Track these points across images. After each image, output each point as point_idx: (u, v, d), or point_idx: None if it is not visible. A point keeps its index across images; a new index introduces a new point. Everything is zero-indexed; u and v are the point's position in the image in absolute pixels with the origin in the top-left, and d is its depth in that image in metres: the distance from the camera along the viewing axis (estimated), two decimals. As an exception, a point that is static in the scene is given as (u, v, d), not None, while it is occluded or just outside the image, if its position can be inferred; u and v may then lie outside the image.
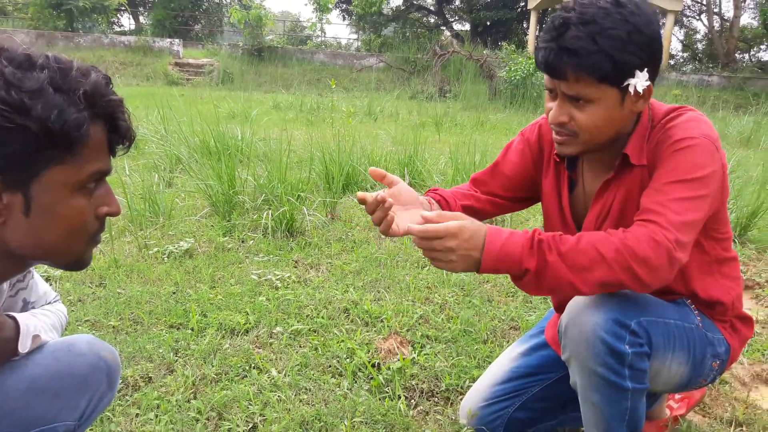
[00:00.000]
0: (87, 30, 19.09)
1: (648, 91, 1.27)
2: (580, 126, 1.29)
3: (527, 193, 1.63)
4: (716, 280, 1.45)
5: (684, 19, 26.63)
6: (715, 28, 23.30)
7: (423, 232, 1.20)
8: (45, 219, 0.87)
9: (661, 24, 1.24)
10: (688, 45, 27.69)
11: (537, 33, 21.00)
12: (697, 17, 27.23)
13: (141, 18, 26.52)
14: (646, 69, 1.23)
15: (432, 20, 27.41)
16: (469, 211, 1.53)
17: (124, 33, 21.27)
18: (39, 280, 1.23)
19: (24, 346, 1.07)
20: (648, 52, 1.22)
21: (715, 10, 23.72)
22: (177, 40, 17.35)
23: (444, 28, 26.59)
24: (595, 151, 1.37)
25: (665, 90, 15.29)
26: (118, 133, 0.92)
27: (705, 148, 1.26)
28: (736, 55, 22.45)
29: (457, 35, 23.39)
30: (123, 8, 21.93)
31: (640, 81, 1.23)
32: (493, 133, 8.27)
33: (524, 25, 24.50)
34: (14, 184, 0.84)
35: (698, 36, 27.81)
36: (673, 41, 23.94)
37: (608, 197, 1.40)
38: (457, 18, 27.56)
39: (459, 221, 1.22)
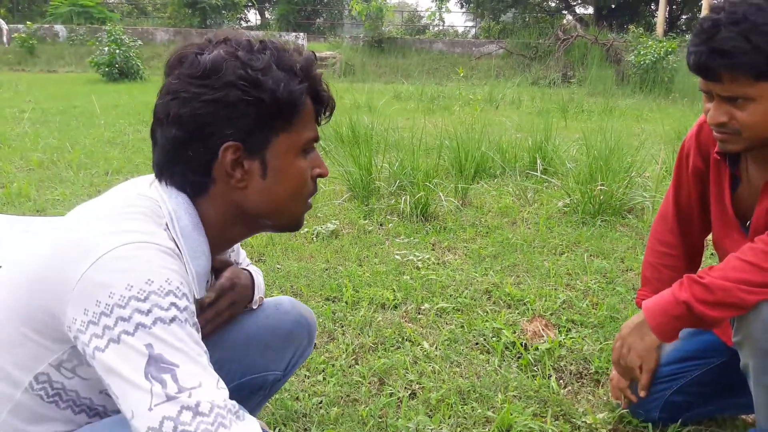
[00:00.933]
0: (218, 26, 20.28)
1: None
2: (743, 124, 1.28)
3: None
4: None
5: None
6: None
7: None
8: (278, 180, 0.98)
9: None
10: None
11: (666, 15, 19.84)
12: None
13: (266, 13, 27.75)
14: None
15: (553, 4, 26.61)
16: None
17: (251, 28, 22.37)
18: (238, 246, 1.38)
19: (255, 302, 1.23)
20: None
21: None
22: (301, 34, 18.03)
23: (566, 12, 25.73)
24: (761, 147, 1.35)
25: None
26: (321, 103, 1.03)
27: None
28: None
29: (580, 19, 22.55)
30: (250, 4, 23.05)
31: None
32: (623, 120, 7.96)
33: (652, 7, 23.21)
34: (252, 152, 0.95)
35: None
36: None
37: None
38: (579, 1, 26.58)
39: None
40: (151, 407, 0.78)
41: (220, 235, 1.01)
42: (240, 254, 1.34)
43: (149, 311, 0.81)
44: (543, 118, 6.13)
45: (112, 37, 13.23)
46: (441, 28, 22.21)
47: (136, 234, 0.86)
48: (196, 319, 0.90)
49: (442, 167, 4.32)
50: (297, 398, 1.79)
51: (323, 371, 1.92)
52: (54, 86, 11.46)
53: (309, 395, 1.80)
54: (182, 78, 0.92)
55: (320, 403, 1.76)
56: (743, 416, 1.70)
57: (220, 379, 0.85)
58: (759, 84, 1.22)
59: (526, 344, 2.10)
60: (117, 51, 13.00)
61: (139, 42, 13.93)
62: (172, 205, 0.95)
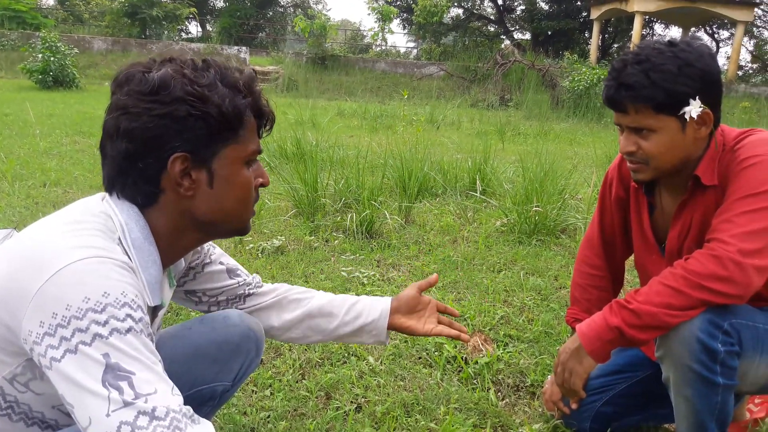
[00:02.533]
0: (157, 37, 19.92)
1: (707, 117, 1.42)
2: (648, 153, 1.46)
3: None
4: None
5: (754, 29, 25.80)
6: (788, 39, 22.48)
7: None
8: (225, 189, 1.04)
9: (716, 59, 1.44)
10: (757, 56, 26.80)
11: (599, 43, 20.78)
12: (768, 27, 26.33)
13: (207, 26, 27.44)
14: (698, 97, 1.38)
15: (492, 29, 27.40)
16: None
17: (191, 40, 22.07)
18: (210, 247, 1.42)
19: None
20: (700, 82, 1.38)
21: (789, 21, 22.90)
22: (244, 48, 17.92)
23: (504, 37, 26.53)
24: (668, 175, 1.53)
25: (734, 102, 14.91)
26: (263, 117, 1.09)
27: None
28: (810, 67, 21.60)
29: (518, 44, 23.30)
30: (192, 16, 22.78)
31: (694, 108, 1.39)
32: (557, 143, 8.30)
33: (586, 35, 24.24)
34: (200, 163, 1.01)
35: (769, 47, 26.89)
36: (742, 52, 23.24)
37: (686, 217, 1.54)
38: (517, 27, 27.48)
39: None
40: (109, 413, 0.82)
41: (172, 243, 1.07)
42: (212, 252, 1.36)
43: (106, 322, 0.84)
44: (482, 140, 6.34)
45: (47, 44, 12.77)
46: (384, 48, 22.52)
47: (92, 249, 0.90)
48: (150, 330, 0.94)
49: (387, 185, 4.41)
50: (245, 413, 1.81)
51: (270, 386, 1.96)
52: (-18, 92, 10.99)
53: (257, 410, 1.83)
54: (132, 94, 0.97)
55: (268, 417, 1.80)
56: (666, 425, 1.84)
57: (175, 386, 0.89)
58: (659, 116, 1.41)
59: (466, 358, 2.19)
60: (52, 58, 12.56)
61: (75, 50, 13.51)
62: (124, 217, 0.99)
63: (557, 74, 15.46)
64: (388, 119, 9.58)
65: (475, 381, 2.07)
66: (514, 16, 26.97)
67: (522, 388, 2.06)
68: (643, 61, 1.39)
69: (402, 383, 2.02)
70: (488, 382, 2.05)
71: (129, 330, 0.86)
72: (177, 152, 0.98)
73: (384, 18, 18.56)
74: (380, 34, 19.35)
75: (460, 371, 2.12)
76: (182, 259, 1.22)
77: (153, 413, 0.83)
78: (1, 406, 0.95)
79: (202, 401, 1.36)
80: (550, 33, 24.01)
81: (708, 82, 1.39)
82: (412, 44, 27.38)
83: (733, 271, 1.33)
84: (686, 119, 1.40)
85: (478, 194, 4.29)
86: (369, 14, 38.75)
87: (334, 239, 3.46)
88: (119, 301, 0.87)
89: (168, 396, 0.86)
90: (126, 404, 0.82)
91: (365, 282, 2.84)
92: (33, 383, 0.94)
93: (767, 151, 1.40)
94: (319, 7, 29.30)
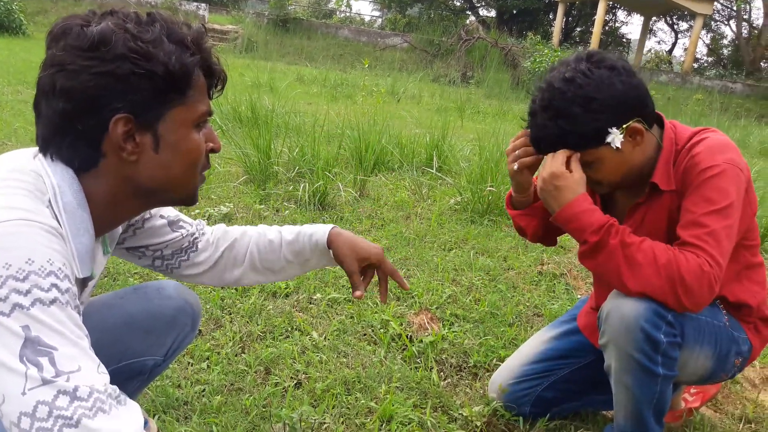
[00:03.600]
0: (113, -14, 19.08)
1: (636, 130, 1.40)
2: (597, 179, 1.46)
3: None
4: (744, 285, 1.56)
5: (712, 23, 26.38)
6: (743, 34, 23.10)
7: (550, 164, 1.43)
8: (171, 154, 0.96)
9: (621, 71, 1.37)
10: (713, 50, 27.48)
11: (563, 26, 20.90)
12: (726, 22, 26.97)
13: (167, -22, 26.41)
14: (614, 126, 1.36)
15: (458, 3, 27.25)
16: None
17: (150, -8, 21.21)
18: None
19: None
20: (610, 112, 1.35)
21: (745, 17, 23.48)
22: (203, 5, 17.35)
23: (470, 12, 26.43)
24: (627, 187, 1.51)
25: (689, 93, 15.26)
26: (213, 76, 1.00)
27: (731, 174, 1.38)
28: (762, 63, 22.28)
29: (483, 21, 23.24)
30: (151, -33, 21.85)
31: (615, 137, 1.37)
32: (515, 123, 8.32)
33: (551, 17, 24.35)
34: (145, 125, 0.92)
35: (725, 41, 27.57)
36: (699, 45, 23.76)
37: (637, 218, 1.53)
38: (483, 3, 27.39)
39: (577, 174, 1.41)
40: (25, 391, 0.75)
41: (110, 211, 0.98)
42: (155, 218, 1.26)
43: (28, 291, 0.77)
44: (441, 116, 6.31)
45: (-9, -14, 12.11)
46: (348, 14, 22.15)
47: (18, 211, 0.82)
48: (78, 302, 0.87)
49: (343, 157, 4.34)
50: (179, 386, 1.75)
51: (208, 359, 1.89)
52: None
53: (192, 383, 1.77)
54: (68, 50, 0.88)
55: (203, 391, 1.74)
56: (604, 412, 1.85)
57: (101, 364, 0.82)
58: (587, 152, 1.40)
59: (411, 336, 2.17)
60: (-3, 1, 11.92)
61: (23, -7, 12.86)
62: (57, 179, 0.91)
63: (519, 54, 15.51)
64: (349, 88, 9.45)
65: (418, 360, 2.05)
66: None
67: (465, 368, 2.05)
68: (548, 107, 1.36)
69: (345, 360, 1.99)
70: (431, 362, 2.03)
71: (53, 301, 0.79)
72: (119, 114, 0.89)
73: (350, -16, 18.20)
74: (344, 0, 19.01)
75: (404, 349, 2.10)
76: (119, 227, 1.13)
77: (75, 393, 0.76)
78: None
79: (131, 375, 1.29)
80: (515, 12, 24.02)
81: (619, 106, 1.36)
82: (377, 13, 27.04)
83: (704, 292, 1.32)
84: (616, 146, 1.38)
85: (434, 171, 4.26)
86: (335, -21, 38.00)
87: (284, 209, 3.39)
88: (44, 269, 0.79)
89: (92, 374, 0.79)
90: (45, 382, 0.75)
91: (314, 254, 2.78)
92: None
93: (726, 160, 1.39)
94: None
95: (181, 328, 1.32)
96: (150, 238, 1.24)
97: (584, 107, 1.34)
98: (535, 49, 14.82)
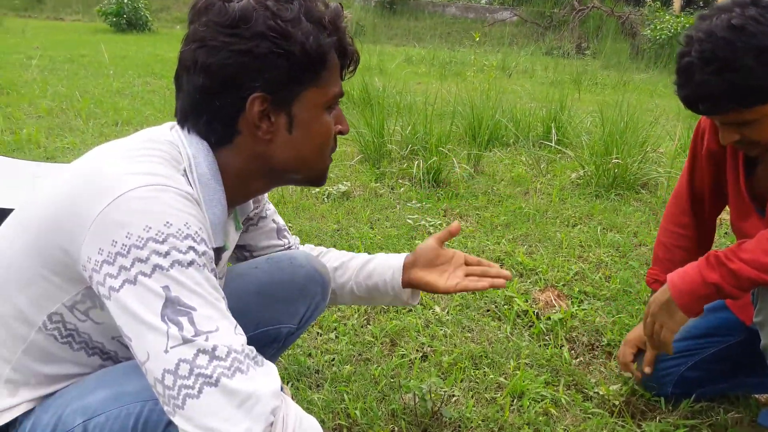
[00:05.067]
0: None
1: None
2: (754, 139, 1.28)
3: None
4: None
5: None
6: None
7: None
8: (304, 135, 0.97)
9: None
10: None
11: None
12: None
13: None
14: None
15: (569, -26, 26.07)
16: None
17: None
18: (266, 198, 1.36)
19: None
20: None
21: None
22: (312, -9, 17.68)
23: (582, -18, 25.20)
24: None
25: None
26: (347, 57, 0.99)
27: None
28: None
29: (596, -10, 22.06)
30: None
31: None
32: (637, 94, 7.85)
33: (672, -20, 22.72)
34: (280, 105, 0.93)
35: None
36: None
37: None
38: (596, -29, 26.03)
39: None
40: (167, 349, 0.77)
41: (240, 186, 1.00)
42: (267, 207, 1.32)
43: (167, 253, 0.79)
44: (557, 89, 6.05)
45: (121, -14, 12.97)
46: (455, -8, 21.78)
47: (156, 177, 0.84)
48: (215, 266, 0.88)
49: (455, 134, 4.27)
50: (310, 354, 1.79)
51: (335, 330, 1.92)
52: (61, 34, 11.30)
53: (321, 352, 1.80)
54: (210, 26, 0.89)
55: (333, 360, 1.77)
56: (756, 395, 1.70)
57: (239, 326, 0.84)
58: (753, 109, 1.22)
59: (538, 313, 2.09)
60: (125, 1, 12.77)
61: (149, -8, 13.67)
62: (192, 150, 0.93)
63: (638, 22, 14.61)
64: (458, 66, 9.31)
65: (547, 337, 1.97)
66: (594, -41, 25.51)
67: (597, 347, 1.95)
68: (711, 60, 1.18)
69: (469, 335, 1.95)
70: (561, 339, 1.95)
71: (191, 263, 0.81)
72: (256, 92, 0.91)
73: (456, -39, 17.89)
74: (452, -22, 18.70)
75: (530, 326, 2.03)
76: (250, 201, 1.15)
77: (213, 352, 0.78)
78: (62, 334, 0.92)
79: (266, 342, 1.32)
80: (632, -22, 22.62)
81: None
82: (484, -11, 26.41)
83: None
84: None
85: (553, 144, 4.09)
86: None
87: (399, 186, 3.38)
88: (182, 232, 0.81)
89: (230, 334, 0.81)
90: (185, 341, 0.77)
91: (431, 231, 2.76)
92: (93, 312, 0.91)
93: None
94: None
95: (312, 297, 1.33)
96: (258, 239, 1.30)
97: (758, 59, 1.16)
98: (655, 17, 13.88)
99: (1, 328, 0.92)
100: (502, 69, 9.50)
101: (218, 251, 1.05)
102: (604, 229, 2.91)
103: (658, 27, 12.95)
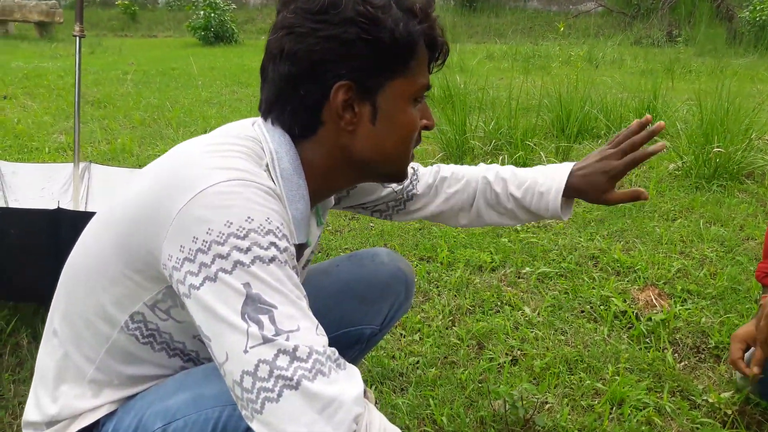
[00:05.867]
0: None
1: None
2: None
3: None
4: None
5: None
6: None
7: None
8: (387, 127, 0.92)
9: None
10: None
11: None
12: None
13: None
14: None
15: (658, -41, 24.91)
16: None
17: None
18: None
19: None
20: None
21: None
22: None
23: (672, -34, 24.01)
24: None
25: None
26: (436, 48, 0.94)
27: None
28: None
29: (687, -26, 20.94)
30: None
31: None
32: (736, 80, 7.34)
33: (773, -42, 21.23)
34: (365, 95, 0.89)
35: None
36: None
37: None
38: (687, -46, 24.72)
39: None
40: (247, 349, 0.73)
41: (324, 180, 0.96)
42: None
43: (248, 249, 0.75)
44: (648, 78, 5.74)
45: (207, 1, 13.50)
46: (536, -14, 21.27)
47: (237, 172, 0.81)
48: (296, 263, 0.85)
49: (542, 127, 4.11)
50: (393, 357, 1.73)
51: (419, 331, 1.86)
52: (154, 50, 11.88)
53: (405, 354, 1.74)
54: (298, 12, 0.87)
55: (417, 363, 1.70)
56: None
57: (320, 325, 0.79)
58: None
59: (637, 314, 1.95)
60: (212, 15, 13.26)
61: (233, 6, 14.14)
62: (274, 145, 0.90)
63: (734, 5, 13.72)
64: (541, 59, 9.04)
65: (648, 340, 1.83)
66: (684, -58, 24.24)
67: (704, 350, 1.79)
68: None
69: (563, 337, 1.84)
70: (664, 342, 1.80)
71: (272, 259, 0.77)
72: (341, 80, 0.87)
73: (537, -47, 17.47)
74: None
75: (629, 328, 1.89)
76: (332, 196, 1.11)
77: (294, 353, 0.73)
78: (143, 334, 0.91)
79: (349, 343, 1.28)
80: (727, -42, 21.31)
81: None
82: (566, -19, 25.67)
83: None
84: None
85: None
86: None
87: (484, 183, 3.28)
88: (263, 227, 0.77)
89: (311, 335, 0.76)
90: (266, 341, 0.73)
91: (518, 228, 2.64)
92: (174, 311, 0.89)
93: None
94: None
95: (396, 296, 1.28)
96: (364, 196, 1.21)
97: None
98: (754, -3, 12.98)
99: (85, 327, 0.92)
100: (588, 60, 9.17)
101: (300, 248, 1.01)
102: (706, 222, 2.70)
103: (757, 8, 12.11)
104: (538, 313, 1.96)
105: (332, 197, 1.11)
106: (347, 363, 0.79)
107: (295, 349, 0.73)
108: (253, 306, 0.74)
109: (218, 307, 0.75)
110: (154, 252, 0.82)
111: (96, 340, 0.92)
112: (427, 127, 0.98)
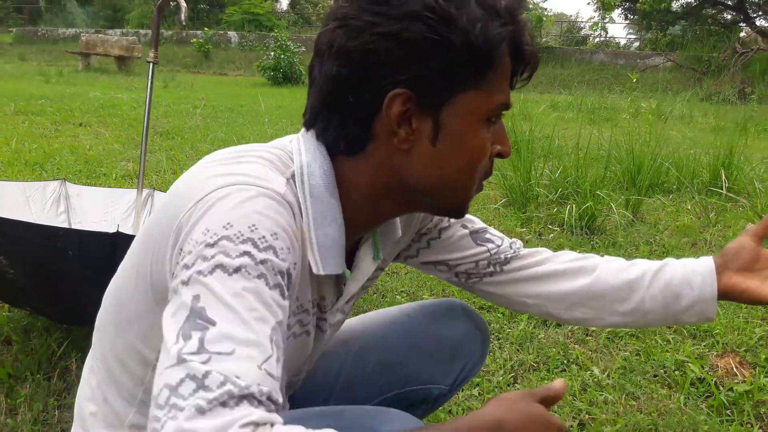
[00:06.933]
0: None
1: None
2: None
3: None
4: None
5: None
6: None
7: None
8: (451, 149, 0.77)
9: None
10: None
11: None
12: None
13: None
14: None
15: (729, 17, 24.46)
16: None
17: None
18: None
19: None
20: None
21: None
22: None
23: (744, 24, 23.51)
24: None
25: None
26: (522, 59, 0.79)
27: None
28: None
29: (761, 32, 20.46)
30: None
31: None
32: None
33: None
34: (426, 108, 0.75)
35: None
36: None
37: None
38: (761, 14, 24.19)
39: None
40: (162, 371, 0.59)
41: (368, 205, 0.82)
42: (455, 227, 1.05)
43: (212, 257, 0.64)
44: (719, 135, 5.53)
45: (278, 43, 13.96)
46: (603, 39, 21.18)
47: (241, 176, 0.71)
48: (292, 291, 0.72)
49: (610, 179, 3.97)
50: (450, 411, 1.63)
51: (478, 386, 1.75)
52: (224, 87, 12.31)
53: (463, 410, 1.63)
54: (355, 2, 0.74)
55: (475, 420, 1.59)
56: None
57: (273, 358, 0.61)
58: None
59: (716, 382, 1.79)
60: (282, 56, 13.70)
61: (303, 48, 14.58)
62: (307, 158, 0.78)
63: (813, 63, 13.27)
64: (607, 111, 8.91)
65: (729, 412, 1.67)
66: (757, 0, 23.76)
67: (796, 429, 1.62)
68: None
69: (634, 403, 1.69)
70: (749, 416, 1.64)
71: (237, 269, 0.63)
72: (398, 88, 0.73)
73: (605, 7, 17.45)
74: (600, 23, 18.24)
75: (708, 397, 1.73)
76: (397, 227, 0.95)
77: (203, 380, 0.56)
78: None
79: (414, 402, 1.16)
80: (804, 17, 20.75)
81: None
82: (633, 36, 25.48)
83: None
84: None
85: (723, 191, 3.67)
86: (588, 3, 36.92)
87: (548, 233, 3.16)
88: (241, 235, 0.65)
89: (244, 364, 0.58)
90: (179, 362, 0.58)
91: (586, 281, 2.51)
92: None
93: None
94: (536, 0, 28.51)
95: (469, 357, 1.16)
96: (448, 252, 1.04)
97: None
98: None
99: (120, 368, 0.85)
100: (657, 114, 8.95)
101: (339, 280, 0.88)
102: (793, 288, 2.50)
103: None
104: (608, 375, 1.82)
105: (398, 227, 0.95)
106: (279, 420, 0.58)
107: (205, 375, 0.57)
108: (192, 322, 0.61)
109: (166, 322, 0.63)
110: (163, 271, 0.74)
111: (133, 383, 0.83)
112: (501, 155, 0.83)
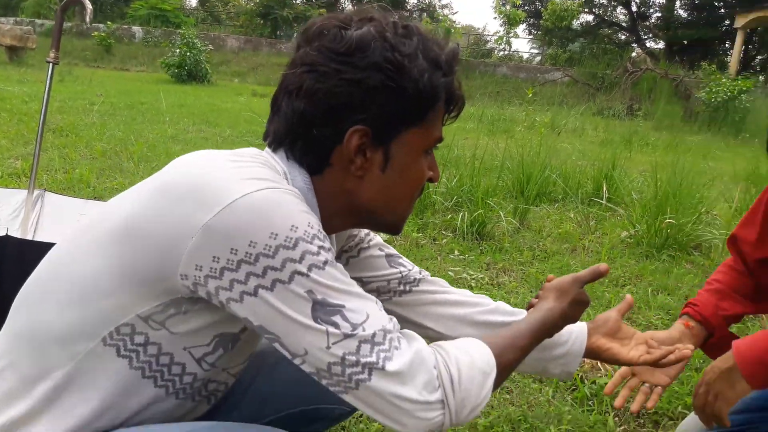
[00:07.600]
0: (287, 38, 20.70)
1: None
2: None
3: None
4: None
5: None
6: None
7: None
8: (396, 176, 0.92)
9: None
10: None
11: (741, 54, 19.20)
12: None
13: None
14: None
15: (623, 37, 26.19)
16: (736, 319, 1.42)
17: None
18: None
19: None
20: None
21: None
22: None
23: (636, 45, 25.24)
24: None
25: None
26: (453, 102, 0.94)
27: None
28: None
29: (650, 53, 22.05)
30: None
31: None
32: (690, 156, 7.66)
33: (726, 45, 22.54)
34: (379, 142, 0.89)
35: None
36: None
37: None
38: (650, 36, 26.07)
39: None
40: (330, 345, 0.78)
41: (323, 219, 0.93)
42: (372, 238, 1.18)
43: (302, 258, 0.77)
44: (606, 149, 5.95)
45: (185, 40, 13.61)
46: (507, 53, 22.08)
47: (264, 181, 0.81)
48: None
49: (502, 188, 4.21)
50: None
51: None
52: (125, 83, 11.85)
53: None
54: (323, 51, 0.86)
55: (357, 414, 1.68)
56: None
57: (378, 300, 0.84)
58: None
59: (582, 377, 1.97)
60: (188, 54, 13.36)
61: (210, 47, 14.30)
62: (287, 167, 0.90)
63: (692, 85, 14.46)
64: (506, 123, 9.32)
65: (590, 403, 1.84)
66: (648, 23, 25.59)
67: (644, 415, 1.81)
68: None
69: (508, 396, 1.84)
70: (606, 405, 1.82)
71: (326, 262, 0.79)
72: (358, 125, 0.86)
73: (510, 22, 18.21)
74: (504, 37, 19.01)
75: (574, 390, 1.91)
76: (334, 242, 1.07)
77: (373, 339, 0.79)
78: (126, 347, 0.84)
79: (314, 418, 1.20)
80: (686, 42, 22.55)
81: None
82: (536, 50, 26.74)
83: None
84: None
85: (603, 201, 3.98)
86: (495, 18, 38.39)
87: (442, 238, 3.31)
88: (308, 233, 0.79)
89: (378, 316, 0.81)
90: (346, 336, 0.78)
91: (473, 285, 2.67)
92: (171, 321, 0.84)
93: None
94: (446, 11, 29.32)
95: None
96: (365, 270, 1.17)
97: None
98: (710, 79, 13.71)
99: (46, 345, 0.85)
100: (551, 127, 9.45)
101: None
102: (654, 290, 2.77)
103: (713, 90, 12.79)
104: (486, 371, 1.96)
105: (333, 238, 1.06)
106: (405, 331, 0.84)
107: (373, 336, 0.79)
108: (323, 310, 0.78)
109: (285, 310, 0.77)
110: (167, 267, 0.79)
111: (59, 359, 0.84)
112: (432, 180, 0.98)
